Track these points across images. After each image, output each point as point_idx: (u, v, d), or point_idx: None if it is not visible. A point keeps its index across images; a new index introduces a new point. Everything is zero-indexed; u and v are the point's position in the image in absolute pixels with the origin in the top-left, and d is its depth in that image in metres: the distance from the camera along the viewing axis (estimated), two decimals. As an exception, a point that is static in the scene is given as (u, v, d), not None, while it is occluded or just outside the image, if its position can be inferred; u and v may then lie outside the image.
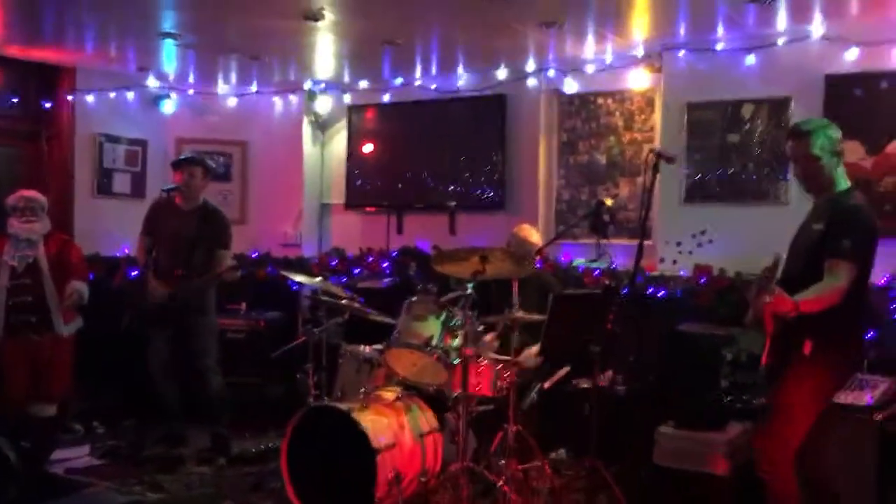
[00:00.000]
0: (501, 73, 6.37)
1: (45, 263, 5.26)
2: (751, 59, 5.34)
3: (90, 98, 6.84)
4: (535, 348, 4.51)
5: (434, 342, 4.19)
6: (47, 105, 6.79)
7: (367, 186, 7.17)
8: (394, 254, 6.83)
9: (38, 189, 5.65)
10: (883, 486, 3.87)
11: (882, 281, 4.56)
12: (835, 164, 3.42)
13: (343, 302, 4.85)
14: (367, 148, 7.15)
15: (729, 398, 4.52)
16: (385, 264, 6.82)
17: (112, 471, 5.05)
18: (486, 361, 4.28)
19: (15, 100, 6.62)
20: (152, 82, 7.06)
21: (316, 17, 4.95)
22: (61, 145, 6.83)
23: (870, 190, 4.67)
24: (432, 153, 6.81)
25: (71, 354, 5.38)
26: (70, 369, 5.39)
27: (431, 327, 4.25)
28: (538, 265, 5.24)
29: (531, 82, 6.32)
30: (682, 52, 5.55)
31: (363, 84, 7.03)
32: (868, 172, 4.81)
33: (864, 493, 3.84)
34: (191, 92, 7.33)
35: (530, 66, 6.23)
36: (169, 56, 6.29)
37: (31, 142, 6.84)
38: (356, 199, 7.23)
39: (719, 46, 5.42)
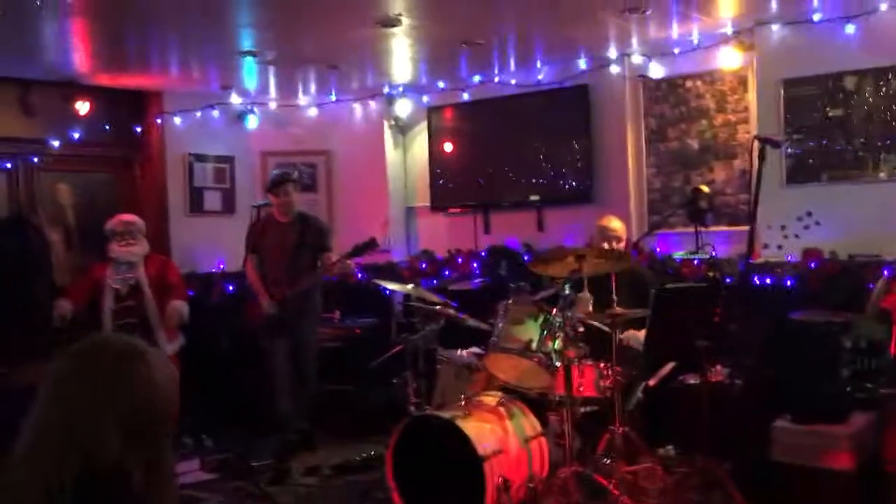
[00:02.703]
0: (582, 63, 6.22)
1: (147, 285, 5.38)
2: (850, 29, 5.04)
3: (177, 119, 7.00)
4: (640, 332, 4.37)
5: (534, 346, 4.11)
6: (138, 130, 6.98)
7: (451, 187, 7.11)
8: (483, 254, 6.77)
9: (134, 212, 5.81)
10: None
11: None
12: None
13: (437, 308, 4.81)
14: (448, 147, 7.09)
15: (850, 388, 4.27)
16: (475, 264, 6.77)
17: (223, 485, 5.14)
18: (588, 362, 4.18)
19: (107, 127, 6.80)
20: (235, 99, 7.16)
21: (392, 23, 4.92)
22: (153, 168, 7.02)
23: None
24: (515, 150, 6.71)
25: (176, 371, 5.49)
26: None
27: (530, 330, 4.16)
28: (632, 255, 5.10)
29: (614, 70, 6.14)
30: (775, 27, 5.29)
31: (441, 84, 6.98)
32: None
33: None
34: (273, 105, 7.42)
35: (612, 53, 6.06)
36: (250, 72, 6.37)
37: (125, 167, 7.06)
38: (441, 200, 7.19)
39: (816, 17, 5.14)
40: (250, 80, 6.68)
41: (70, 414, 1.50)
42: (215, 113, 7.19)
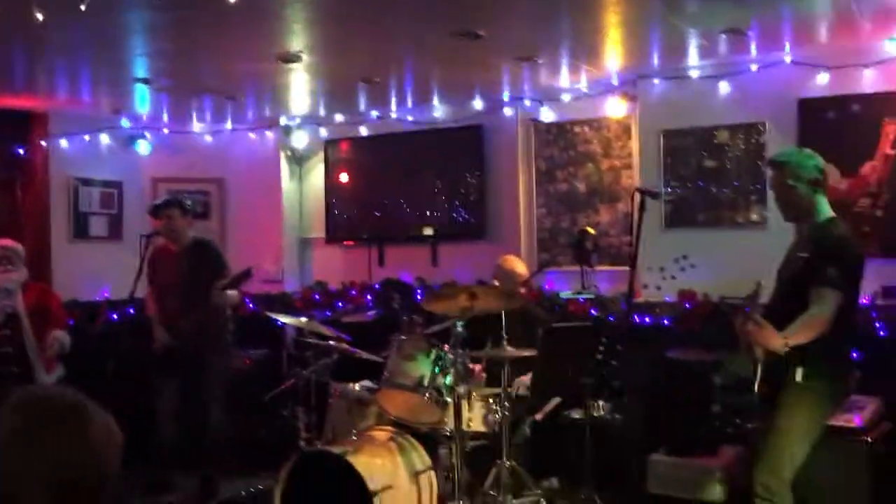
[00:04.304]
0: (477, 104, 6.41)
1: (24, 313, 5.17)
2: (724, 86, 5.43)
3: (63, 142, 6.78)
4: (525, 377, 4.53)
5: (426, 381, 4.19)
6: (21, 151, 6.70)
7: (346, 219, 7.17)
8: (377, 286, 6.83)
9: (14, 237, 5.57)
10: (876, 505, 3.91)
11: (864, 300, 4.63)
12: (811, 193, 3.46)
13: (331, 343, 4.82)
14: (344, 177, 7.15)
15: (720, 423, 4.55)
16: (368, 297, 6.82)
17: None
18: (477, 397, 4.29)
19: (-13, 147, 6.53)
20: (126, 123, 7.00)
21: (293, 59, 4.95)
22: (36, 191, 6.75)
23: (846, 211, 4.72)
24: (411, 185, 6.83)
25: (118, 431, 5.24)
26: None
27: (422, 366, 4.24)
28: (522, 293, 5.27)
29: (507, 112, 6.37)
30: (656, 81, 5.63)
31: (339, 118, 7.04)
32: (844, 194, 4.90)
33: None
34: (165, 131, 7.29)
35: (506, 96, 6.28)
36: (142, 98, 6.26)
37: (5, 189, 6.75)
38: (336, 232, 7.22)
39: (693, 74, 5.50)
40: (142, 106, 6.55)
41: None
42: (104, 136, 7.01)
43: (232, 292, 5.25)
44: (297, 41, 4.69)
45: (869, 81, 5.02)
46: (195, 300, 5.20)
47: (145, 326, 5.54)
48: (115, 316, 6.63)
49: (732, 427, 4.52)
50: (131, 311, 5.88)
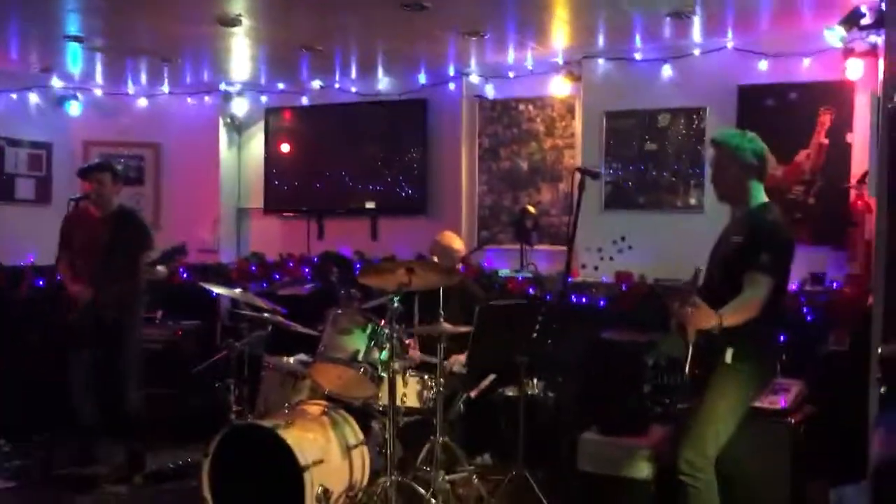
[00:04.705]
0: (422, 78, 6.36)
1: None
2: (667, 70, 5.48)
3: (-11, 100, 6.52)
4: (462, 356, 4.53)
5: (360, 356, 4.15)
6: (-58, 108, 6.43)
7: (286, 190, 7.05)
8: (315, 259, 6.75)
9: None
10: (797, 486, 4.02)
11: (793, 286, 4.73)
12: (745, 177, 3.49)
13: (265, 315, 4.74)
14: (284, 147, 7.02)
15: (650, 403, 4.61)
16: (306, 270, 6.73)
17: (23, 494, 4.82)
18: (412, 373, 4.27)
19: None
20: (56, 83, 6.76)
21: (232, 23, 4.82)
22: (-42, 150, 6.49)
23: (781, 198, 4.81)
24: (353, 158, 6.75)
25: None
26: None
27: (357, 341, 4.20)
28: (461, 270, 5.27)
29: (452, 87, 6.33)
30: (601, 61, 5.65)
31: (281, 86, 6.92)
32: (779, 181, 4.98)
33: (779, 494, 3.98)
34: (98, 93, 7.06)
35: (451, 71, 6.24)
36: (74, 57, 6.04)
37: (-76, 147, 6.48)
38: (275, 203, 7.11)
39: (637, 56, 5.53)
40: (74, 65, 6.32)
41: None
42: (33, 96, 6.77)
43: (161, 268, 5.08)
44: (238, 4, 4.56)
45: (806, 70, 5.12)
46: (114, 270, 4.97)
47: (64, 296, 5.21)
48: (41, 282, 6.41)
49: (662, 407, 4.58)
50: (59, 277, 5.66)
